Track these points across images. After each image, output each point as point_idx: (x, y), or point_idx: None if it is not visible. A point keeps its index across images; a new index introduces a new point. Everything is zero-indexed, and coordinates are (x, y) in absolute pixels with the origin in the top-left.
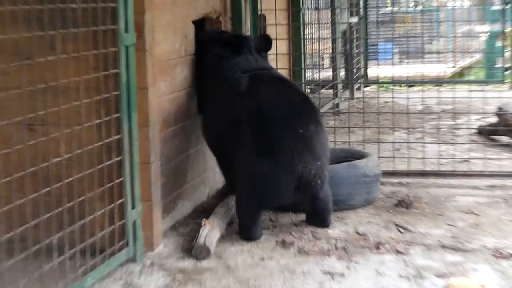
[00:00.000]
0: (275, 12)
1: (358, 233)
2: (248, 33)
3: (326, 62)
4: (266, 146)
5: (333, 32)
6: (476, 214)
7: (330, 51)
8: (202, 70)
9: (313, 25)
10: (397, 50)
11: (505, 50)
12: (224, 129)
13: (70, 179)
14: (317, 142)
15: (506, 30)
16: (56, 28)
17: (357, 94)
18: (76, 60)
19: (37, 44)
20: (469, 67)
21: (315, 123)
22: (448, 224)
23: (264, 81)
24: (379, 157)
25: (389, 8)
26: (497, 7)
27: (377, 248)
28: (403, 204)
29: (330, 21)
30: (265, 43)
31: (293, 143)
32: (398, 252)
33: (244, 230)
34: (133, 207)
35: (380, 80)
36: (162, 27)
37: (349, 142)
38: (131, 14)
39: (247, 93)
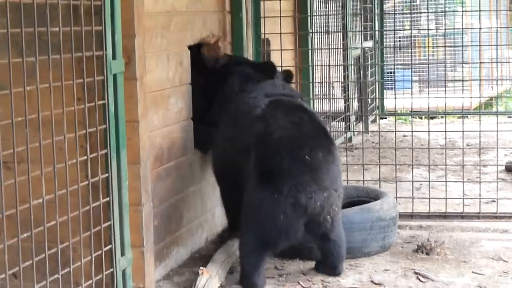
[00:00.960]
0: (280, 36)
1: (373, 283)
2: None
3: (338, 91)
4: (267, 174)
5: (345, 58)
6: (504, 260)
7: (342, 80)
8: (216, 97)
9: (322, 51)
10: (416, 78)
11: None
12: (233, 157)
13: (53, 222)
14: (325, 172)
15: None
16: (35, 54)
17: (372, 127)
18: (58, 90)
19: (14, 72)
20: (497, 97)
21: (325, 152)
22: (474, 272)
23: (282, 106)
24: (396, 198)
25: (407, 32)
26: None
27: None
28: (424, 249)
29: (341, 46)
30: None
31: (295, 169)
32: None
33: (244, 277)
34: (123, 254)
35: (398, 112)
36: (154, 53)
37: (363, 180)
38: (119, 38)
39: (261, 116)
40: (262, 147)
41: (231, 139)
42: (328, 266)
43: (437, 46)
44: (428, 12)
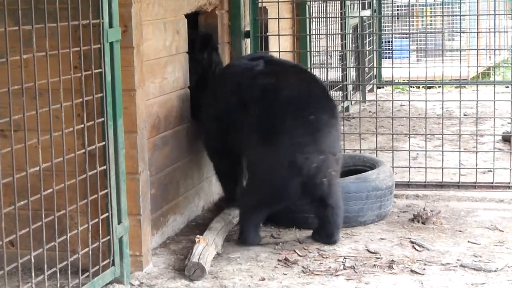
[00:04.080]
0: (278, 5)
1: (369, 251)
2: (248, 29)
3: (335, 60)
4: (268, 131)
5: (343, 27)
6: (500, 230)
7: (340, 49)
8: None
9: (320, 19)
10: (414, 47)
11: None
12: (229, 117)
13: (49, 190)
14: (326, 135)
15: None
16: (32, 23)
17: (369, 97)
18: (54, 58)
19: (10, 40)
20: (495, 67)
21: (329, 115)
22: (469, 242)
23: (280, 64)
24: (393, 167)
25: (405, 1)
26: None
27: (390, 267)
28: (420, 219)
29: (339, 14)
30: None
31: (296, 128)
32: (413, 272)
33: (241, 232)
34: (120, 222)
35: (395, 81)
36: (151, 22)
37: (360, 149)
38: (116, 6)
39: (263, 72)
40: (268, 102)
41: (223, 101)
42: (325, 233)
43: (435, 15)
44: None
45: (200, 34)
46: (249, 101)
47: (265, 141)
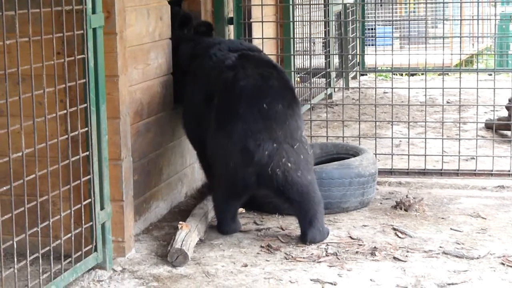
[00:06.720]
0: None
1: (351, 238)
2: (231, 15)
3: (318, 47)
4: (223, 119)
5: (326, 14)
6: (483, 217)
7: (323, 36)
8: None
9: (303, 6)
10: (397, 34)
11: None
12: (200, 109)
13: (32, 176)
14: (280, 124)
15: None
16: (15, 8)
17: (352, 84)
18: (37, 44)
19: None
20: (478, 54)
21: (285, 105)
22: (452, 229)
23: (253, 60)
24: (376, 154)
25: None
26: None
27: (373, 254)
28: (402, 206)
29: (323, 1)
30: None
31: (250, 115)
32: (395, 259)
33: (217, 223)
34: (102, 208)
35: (378, 68)
36: (134, 8)
37: (343, 137)
38: None
39: (230, 66)
40: (225, 93)
41: (197, 93)
42: (300, 232)
43: (418, 3)
44: None
45: (180, 15)
46: (213, 94)
47: (220, 128)
